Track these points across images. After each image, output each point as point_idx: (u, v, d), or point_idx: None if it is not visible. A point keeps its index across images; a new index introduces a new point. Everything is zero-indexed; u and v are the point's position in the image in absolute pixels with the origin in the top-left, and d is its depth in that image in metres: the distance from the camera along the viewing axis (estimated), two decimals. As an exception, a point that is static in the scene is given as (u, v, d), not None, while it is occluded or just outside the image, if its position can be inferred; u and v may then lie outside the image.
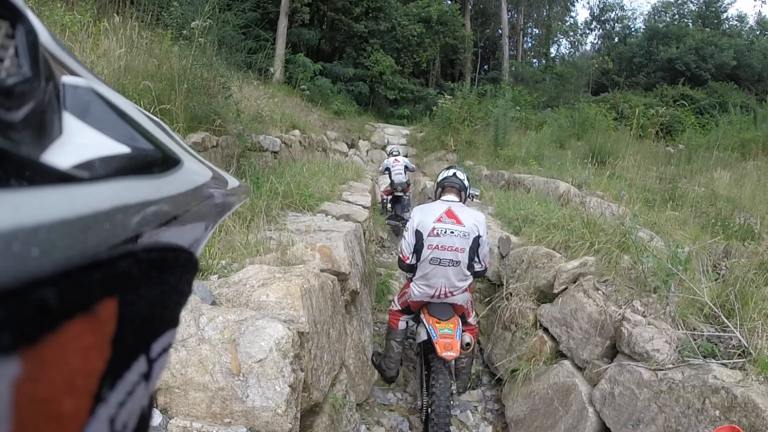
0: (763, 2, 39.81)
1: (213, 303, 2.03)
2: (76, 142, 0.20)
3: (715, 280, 2.87)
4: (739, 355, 2.19)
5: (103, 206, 0.17)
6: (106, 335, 0.17)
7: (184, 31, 4.43)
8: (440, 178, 3.19)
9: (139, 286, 0.19)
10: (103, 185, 0.18)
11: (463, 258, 2.94)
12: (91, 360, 0.16)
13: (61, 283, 0.14)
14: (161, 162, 0.24)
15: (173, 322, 0.23)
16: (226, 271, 2.44)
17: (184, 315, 1.81)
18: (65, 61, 0.23)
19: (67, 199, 0.16)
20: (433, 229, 2.93)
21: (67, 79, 0.22)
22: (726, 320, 2.37)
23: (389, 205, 7.99)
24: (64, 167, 0.17)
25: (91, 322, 0.16)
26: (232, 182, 0.36)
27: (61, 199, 0.15)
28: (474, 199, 3.62)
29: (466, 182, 3.14)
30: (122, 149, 0.22)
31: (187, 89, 4.00)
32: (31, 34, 0.18)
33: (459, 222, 2.94)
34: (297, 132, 7.83)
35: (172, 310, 0.22)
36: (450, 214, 2.96)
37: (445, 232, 2.92)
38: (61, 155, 0.18)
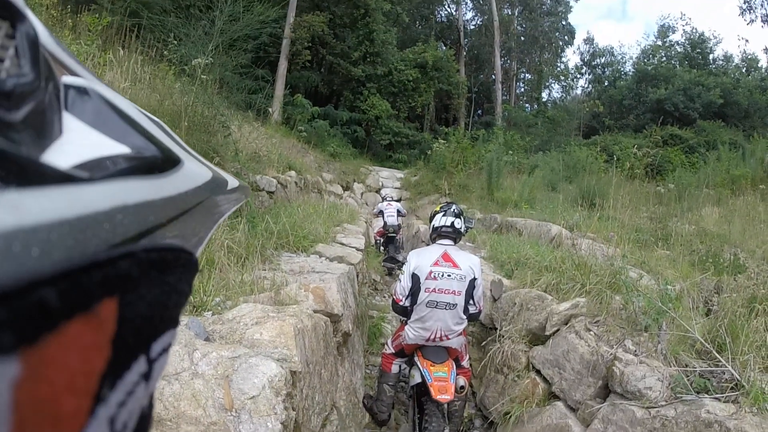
0: (746, 41, 41.56)
1: (207, 339, 2.03)
2: (76, 143, 0.20)
3: (706, 314, 2.89)
4: (732, 388, 2.20)
5: (103, 206, 0.17)
6: (106, 335, 0.17)
7: (186, 68, 4.49)
8: (437, 223, 3.18)
9: (139, 287, 0.19)
10: (103, 185, 0.18)
11: (460, 301, 2.95)
12: (91, 360, 0.16)
13: (61, 283, 0.15)
14: (161, 162, 0.24)
15: (173, 323, 0.23)
16: (220, 308, 2.44)
17: (178, 349, 1.81)
18: (65, 62, 0.23)
19: (67, 199, 0.16)
20: (431, 272, 2.95)
21: (67, 79, 0.22)
22: (718, 355, 2.38)
23: (382, 247, 8.08)
24: (64, 167, 0.18)
25: (91, 322, 0.16)
26: (232, 182, 0.37)
27: (61, 199, 0.15)
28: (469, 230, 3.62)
29: (462, 229, 3.18)
30: (122, 149, 0.22)
31: (188, 126, 4.04)
32: (32, 35, 0.18)
33: (455, 265, 2.97)
34: (293, 173, 7.90)
35: (172, 310, 0.22)
36: (446, 257, 3.00)
37: (443, 276, 2.94)
38: (61, 155, 0.18)
